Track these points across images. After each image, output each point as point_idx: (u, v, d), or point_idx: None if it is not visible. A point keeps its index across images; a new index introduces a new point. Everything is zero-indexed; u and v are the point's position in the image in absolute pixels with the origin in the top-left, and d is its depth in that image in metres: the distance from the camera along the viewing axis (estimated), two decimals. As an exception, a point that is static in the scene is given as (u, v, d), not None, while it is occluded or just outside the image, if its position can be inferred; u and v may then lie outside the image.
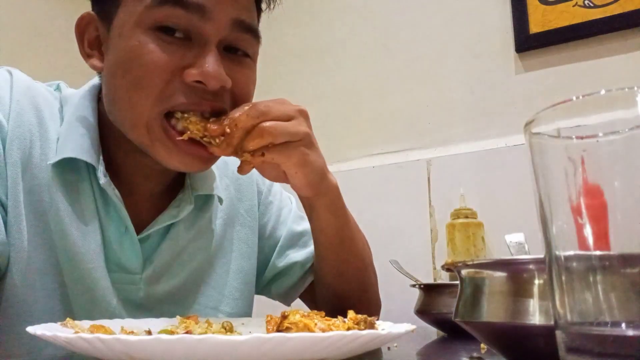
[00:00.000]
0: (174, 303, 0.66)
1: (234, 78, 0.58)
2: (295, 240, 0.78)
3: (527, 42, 1.30)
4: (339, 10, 1.62)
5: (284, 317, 0.43)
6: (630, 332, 0.22)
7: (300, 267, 0.76)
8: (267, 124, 0.54)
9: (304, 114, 0.59)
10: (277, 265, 0.77)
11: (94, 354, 0.34)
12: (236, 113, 0.55)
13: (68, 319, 0.45)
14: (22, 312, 0.57)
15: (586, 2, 1.25)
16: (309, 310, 0.63)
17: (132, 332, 0.47)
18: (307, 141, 0.58)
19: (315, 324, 0.41)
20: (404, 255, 1.19)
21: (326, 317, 0.44)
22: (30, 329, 0.38)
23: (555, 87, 1.27)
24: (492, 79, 1.35)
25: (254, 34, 0.60)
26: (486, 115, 1.34)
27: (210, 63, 0.55)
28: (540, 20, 1.30)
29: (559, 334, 0.25)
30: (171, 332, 0.47)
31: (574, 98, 0.25)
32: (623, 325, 0.22)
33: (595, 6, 1.24)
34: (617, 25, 1.22)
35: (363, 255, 0.72)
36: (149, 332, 0.47)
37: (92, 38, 0.61)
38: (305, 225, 0.79)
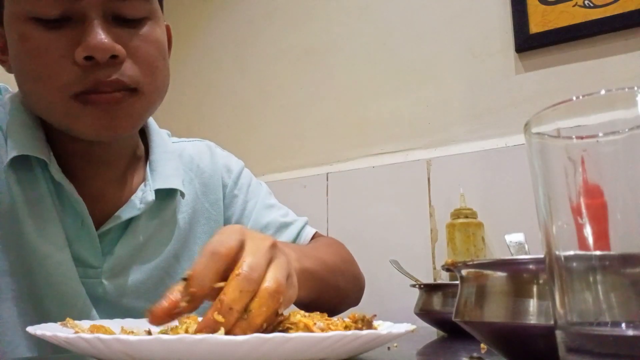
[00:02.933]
0: (137, 297, 0.64)
1: (129, 46, 0.56)
2: None
3: (527, 42, 1.30)
4: (339, 10, 1.62)
5: (284, 317, 0.43)
6: (630, 332, 0.22)
7: None
8: (269, 286, 0.38)
9: (275, 248, 0.42)
10: None
11: (93, 354, 0.34)
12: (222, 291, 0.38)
13: (68, 318, 0.45)
14: None
15: (586, 2, 1.25)
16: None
17: (132, 332, 0.47)
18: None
19: (315, 324, 0.41)
20: (404, 255, 1.19)
21: (326, 317, 0.44)
22: (31, 329, 0.38)
23: (555, 87, 1.27)
24: (492, 79, 1.35)
25: None
26: (486, 115, 1.34)
27: (93, 35, 0.52)
28: (540, 20, 1.30)
29: (559, 334, 0.25)
30: (171, 332, 0.47)
31: (574, 98, 0.25)
32: (623, 325, 0.22)
33: (595, 6, 1.24)
34: (617, 25, 1.22)
35: (337, 284, 0.71)
36: (149, 332, 0.47)
37: (2, 44, 0.60)
38: (270, 216, 0.78)
